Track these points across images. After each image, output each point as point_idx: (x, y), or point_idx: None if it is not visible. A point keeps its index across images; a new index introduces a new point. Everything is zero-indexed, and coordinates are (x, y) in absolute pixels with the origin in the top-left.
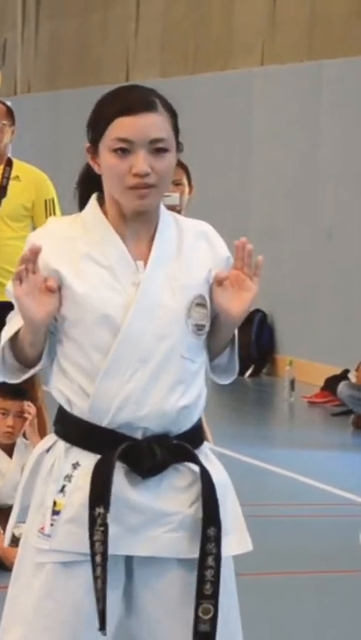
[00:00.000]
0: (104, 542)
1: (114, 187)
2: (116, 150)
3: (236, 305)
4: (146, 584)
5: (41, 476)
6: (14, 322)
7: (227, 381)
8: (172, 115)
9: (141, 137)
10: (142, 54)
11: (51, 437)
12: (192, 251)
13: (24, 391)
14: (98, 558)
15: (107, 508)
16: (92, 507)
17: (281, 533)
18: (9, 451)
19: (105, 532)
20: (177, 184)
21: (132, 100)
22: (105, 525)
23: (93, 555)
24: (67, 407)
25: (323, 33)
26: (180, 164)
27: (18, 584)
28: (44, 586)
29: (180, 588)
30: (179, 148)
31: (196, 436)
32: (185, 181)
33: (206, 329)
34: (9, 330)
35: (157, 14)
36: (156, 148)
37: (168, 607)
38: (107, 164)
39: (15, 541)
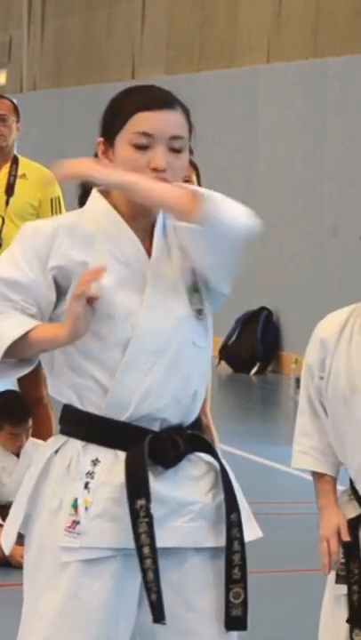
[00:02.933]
0: (150, 534)
1: None
2: (135, 144)
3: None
4: (163, 577)
5: (54, 478)
6: (15, 323)
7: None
8: (188, 118)
9: (162, 132)
10: (148, 52)
11: (58, 438)
12: (175, 236)
13: (28, 410)
14: (146, 550)
15: (148, 499)
16: (131, 500)
17: (285, 531)
18: (17, 451)
19: (150, 524)
20: (186, 181)
21: (153, 96)
22: (149, 517)
23: (140, 547)
24: (78, 405)
25: (328, 30)
26: (191, 163)
27: (37, 586)
28: (69, 586)
29: (198, 579)
30: (190, 149)
31: (200, 426)
32: (194, 179)
33: (205, 312)
34: (11, 332)
35: (163, 11)
36: (174, 146)
37: (186, 599)
38: (124, 157)
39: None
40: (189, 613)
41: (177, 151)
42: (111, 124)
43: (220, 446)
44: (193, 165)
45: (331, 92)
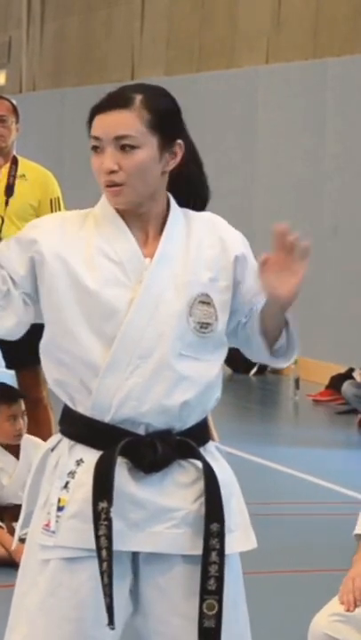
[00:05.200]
0: (109, 537)
1: (99, 183)
2: (92, 148)
3: (285, 291)
4: (151, 582)
5: (46, 475)
6: None
7: (285, 364)
8: (155, 112)
9: (106, 134)
10: (147, 52)
11: (56, 437)
12: (200, 247)
13: (18, 390)
14: (103, 553)
15: (110, 502)
16: (95, 502)
17: (285, 531)
18: (15, 451)
19: (109, 527)
20: None
21: (106, 98)
22: (109, 520)
23: (99, 549)
24: (70, 404)
25: (328, 31)
26: None
27: (24, 583)
28: (48, 583)
29: (186, 585)
30: (170, 147)
31: (200, 433)
32: None
33: (214, 327)
34: None
35: (162, 12)
36: (123, 145)
37: (174, 605)
38: (92, 163)
39: (24, 540)
40: (178, 619)
41: (127, 151)
42: (88, 132)
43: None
44: None
45: (331, 92)
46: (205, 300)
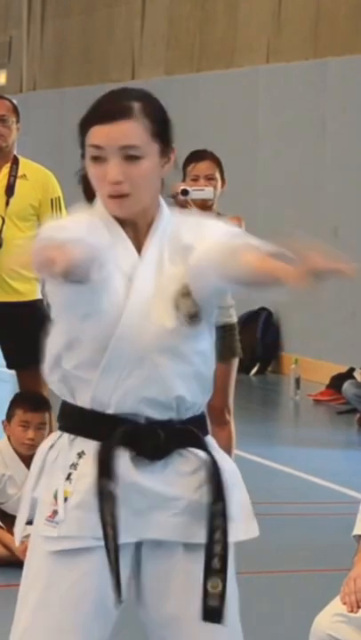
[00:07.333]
0: (114, 515)
1: (98, 192)
2: (92, 158)
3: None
4: (152, 572)
5: (45, 470)
6: None
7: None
8: (154, 120)
9: (112, 144)
10: (148, 52)
11: (55, 434)
12: (178, 243)
13: (45, 403)
14: (109, 531)
15: (113, 484)
16: (99, 483)
17: (286, 531)
18: (28, 463)
19: (114, 504)
20: (210, 178)
21: (105, 107)
22: (113, 498)
23: (105, 525)
24: (70, 399)
25: (328, 31)
26: (213, 158)
27: (29, 576)
28: (49, 575)
29: (186, 575)
30: (167, 152)
31: (199, 424)
32: (217, 175)
33: (202, 314)
34: None
35: (163, 12)
36: (129, 156)
37: (176, 595)
38: (89, 171)
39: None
40: (178, 609)
41: (133, 161)
42: (80, 139)
43: (234, 450)
44: (216, 161)
45: (331, 91)
46: (186, 292)
